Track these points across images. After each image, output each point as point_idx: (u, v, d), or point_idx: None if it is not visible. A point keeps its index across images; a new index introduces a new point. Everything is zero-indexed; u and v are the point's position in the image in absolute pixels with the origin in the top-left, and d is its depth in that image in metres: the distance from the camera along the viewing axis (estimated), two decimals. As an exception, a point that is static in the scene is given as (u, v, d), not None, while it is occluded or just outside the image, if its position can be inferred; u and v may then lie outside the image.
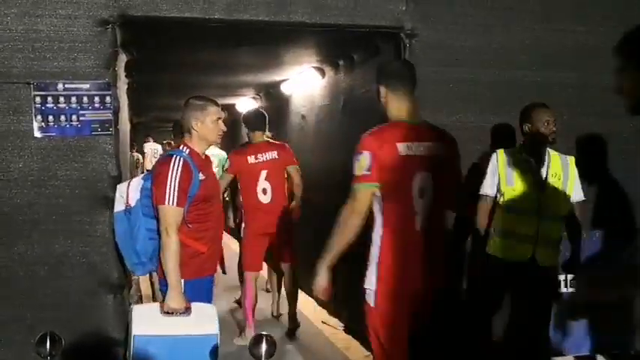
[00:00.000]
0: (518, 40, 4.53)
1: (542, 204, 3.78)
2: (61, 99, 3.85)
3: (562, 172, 3.86)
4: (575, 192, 3.91)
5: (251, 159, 5.47)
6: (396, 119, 3.15)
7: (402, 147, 3.03)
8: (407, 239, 3.06)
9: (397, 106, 3.15)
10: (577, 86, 4.59)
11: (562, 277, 4.05)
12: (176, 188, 3.39)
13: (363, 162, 3.01)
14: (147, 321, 3.32)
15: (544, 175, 3.82)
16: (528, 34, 4.55)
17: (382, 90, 3.18)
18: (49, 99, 3.83)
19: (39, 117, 3.82)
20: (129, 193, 3.63)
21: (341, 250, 3.06)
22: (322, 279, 3.07)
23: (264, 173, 5.45)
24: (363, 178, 3.02)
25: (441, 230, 3.20)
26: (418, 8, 4.33)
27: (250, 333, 5.27)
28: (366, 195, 3.03)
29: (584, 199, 3.98)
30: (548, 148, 3.86)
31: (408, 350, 3.05)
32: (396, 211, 3.06)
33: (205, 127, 3.58)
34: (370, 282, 3.09)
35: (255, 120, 5.64)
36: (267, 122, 5.67)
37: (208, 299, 3.55)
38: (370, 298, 3.10)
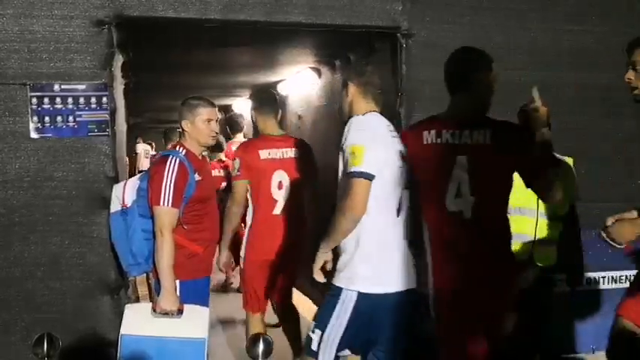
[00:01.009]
0: (515, 40, 4.53)
1: (541, 204, 3.77)
2: (58, 100, 3.84)
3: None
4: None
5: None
6: (262, 133, 4.28)
7: (262, 153, 4.14)
8: (267, 221, 4.13)
9: (263, 124, 4.29)
10: (574, 86, 4.59)
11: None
12: (171, 189, 3.37)
13: (235, 165, 4.13)
14: (137, 321, 3.32)
15: None
16: (525, 34, 4.55)
17: (253, 113, 4.32)
18: (46, 100, 3.82)
19: (35, 118, 3.81)
20: (125, 193, 3.62)
21: (232, 234, 4.18)
22: (224, 257, 4.24)
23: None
24: (236, 177, 4.12)
25: (298, 214, 4.22)
26: (415, 8, 4.33)
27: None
28: (241, 188, 4.10)
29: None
30: None
31: (265, 295, 4.27)
32: (260, 200, 4.13)
33: (195, 128, 3.57)
34: (243, 251, 4.22)
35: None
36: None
37: (204, 301, 3.54)
38: (242, 262, 4.23)
